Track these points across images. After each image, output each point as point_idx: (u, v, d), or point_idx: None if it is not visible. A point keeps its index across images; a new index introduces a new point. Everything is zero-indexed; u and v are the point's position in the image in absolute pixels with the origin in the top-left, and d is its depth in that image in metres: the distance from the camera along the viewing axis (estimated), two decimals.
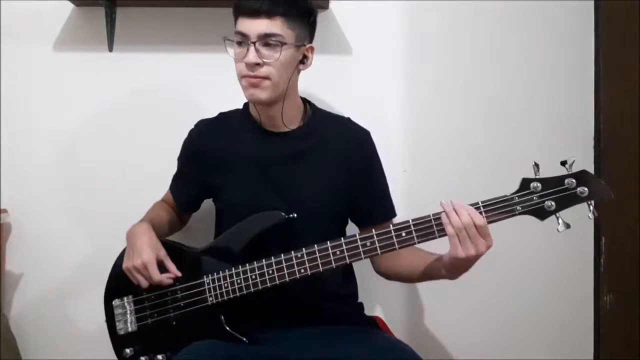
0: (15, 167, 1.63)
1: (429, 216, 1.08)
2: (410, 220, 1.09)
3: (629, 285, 1.66)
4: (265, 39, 1.15)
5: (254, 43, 1.15)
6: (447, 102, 1.68)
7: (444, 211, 1.07)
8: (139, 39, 1.64)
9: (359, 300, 1.37)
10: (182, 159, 1.40)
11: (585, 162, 1.65)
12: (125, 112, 1.65)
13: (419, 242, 1.09)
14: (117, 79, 1.64)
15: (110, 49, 1.61)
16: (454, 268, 1.13)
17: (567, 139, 1.68)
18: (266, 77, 1.17)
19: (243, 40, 1.16)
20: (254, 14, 1.14)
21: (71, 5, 1.61)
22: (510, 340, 1.69)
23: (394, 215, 1.36)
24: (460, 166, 1.67)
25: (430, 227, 1.08)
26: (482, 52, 1.68)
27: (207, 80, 1.63)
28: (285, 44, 1.16)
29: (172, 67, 1.64)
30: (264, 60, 1.16)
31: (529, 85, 1.68)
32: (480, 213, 1.06)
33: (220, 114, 1.38)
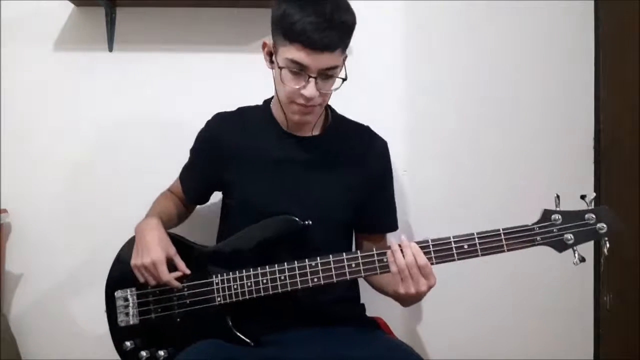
0: (15, 167, 1.63)
1: (449, 237, 1.08)
2: (429, 240, 1.08)
3: (629, 285, 1.65)
4: (325, 72, 1.12)
5: (315, 78, 1.11)
6: (446, 102, 1.68)
7: (390, 249, 1.08)
8: (139, 39, 1.64)
9: (362, 301, 1.37)
10: (196, 151, 1.37)
11: (585, 162, 1.66)
12: (125, 112, 1.64)
13: (436, 263, 1.08)
14: (117, 79, 1.64)
15: (110, 49, 1.62)
16: (400, 300, 1.17)
17: (567, 139, 1.68)
18: (319, 104, 1.17)
19: (300, 71, 1.11)
20: (320, 49, 1.07)
21: (71, 5, 1.61)
22: (510, 341, 1.69)
23: (396, 229, 1.37)
24: (459, 166, 1.67)
25: (449, 250, 1.07)
26: (482, 52, 1.68)
27: (207, 80, 1.64)
28: (338, 71, 1.14)
29: (172, 67, 1.64)
30: (321, 91, 1.13)
31: (529, 85, 1.69)
32: (428, 252, 1.07)
33: (239, 108, 1.35)
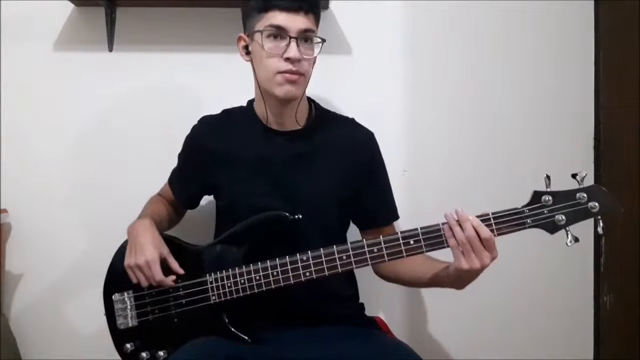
0: (15, 167, 1.63)
1: (438, 225, 1.07)
2: (419, 229, 1.07)
3: (629, 285, 1.65)
4: (304, 35, 1.16)
5: (296, 39, 1.15)
6: (446, 102, 1.68)
7: (446, 222, 1.05)
8: (139, 39, 1.64)
9: (360, 301, 1.37)
10: (183, 155, 1.39)
11: (585, 162, 1.66)
12: (125, 112, 1.65)
13: (427, 251, 1.08)
14: (117, 79, 1.64)
15: (110, 49, 1.62)
16: (460, 279, 1.10)
17: (567, 139, 1.68)
18: (303, 74, 1.18)
19: (280, 34, 1.15)
20: (295, 9, 1.14)
21: (71, 5, 1.61)
22: (510, 341, 1.69)
23: (396, 218, 1.36)
24: (460, 166, 1.67)
25: (439, 237, 1.06)
26: (482, 52, 1.68)
27: (206, 80, 1.64)
28: (316, 39, 1.19)
29: (172, 67, 1.64)
30: (304, 56, 1.17)
31: (529, 85, 1.68)
32: (490, 225, 1.04)
33: (224, 110, 1.37)
